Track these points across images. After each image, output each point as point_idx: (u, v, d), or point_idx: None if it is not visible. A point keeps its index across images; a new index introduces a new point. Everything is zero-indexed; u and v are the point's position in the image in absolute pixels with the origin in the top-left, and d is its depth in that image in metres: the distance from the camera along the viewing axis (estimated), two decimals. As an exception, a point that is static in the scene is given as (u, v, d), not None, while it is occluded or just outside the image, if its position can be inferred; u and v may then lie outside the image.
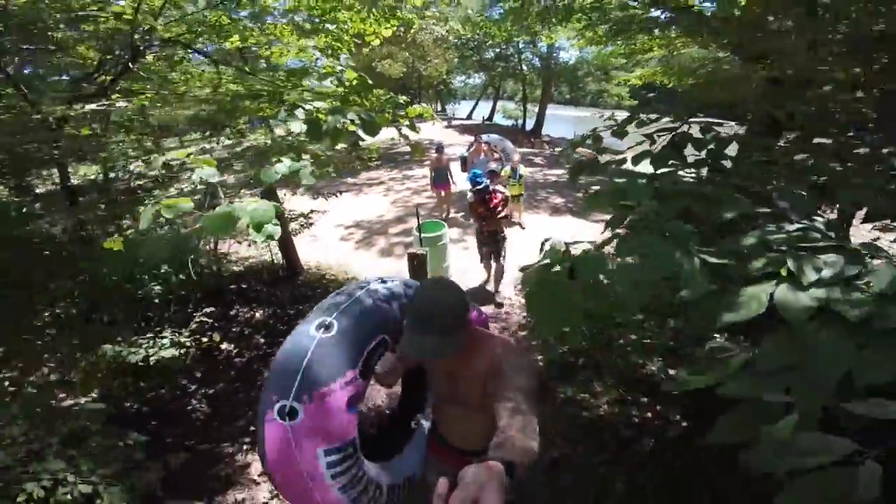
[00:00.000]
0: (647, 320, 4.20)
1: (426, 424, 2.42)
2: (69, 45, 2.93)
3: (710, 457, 2.88)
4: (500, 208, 4.80)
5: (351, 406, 1.82)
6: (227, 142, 2.91)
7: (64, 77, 3.31)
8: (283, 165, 1.69)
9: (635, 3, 4.35)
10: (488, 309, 4.97)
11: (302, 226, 5.00)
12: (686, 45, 5.35)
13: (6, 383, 2.41)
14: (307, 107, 1.96)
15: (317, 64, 4.00)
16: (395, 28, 4.33)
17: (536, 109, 22.77)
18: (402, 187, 10.12)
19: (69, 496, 1.88)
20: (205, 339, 3.70)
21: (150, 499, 2.45)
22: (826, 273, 1.10)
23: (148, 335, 3.13)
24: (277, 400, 1.74)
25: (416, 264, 4.66)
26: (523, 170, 7.30)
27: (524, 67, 21.89)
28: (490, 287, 5.30)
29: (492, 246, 5.01)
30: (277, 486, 1.84)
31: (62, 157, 2.81)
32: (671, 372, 3.69)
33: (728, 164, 1.79)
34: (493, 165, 7.11)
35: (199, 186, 1.86)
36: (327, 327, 1.87)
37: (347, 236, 7.23)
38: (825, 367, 0.91)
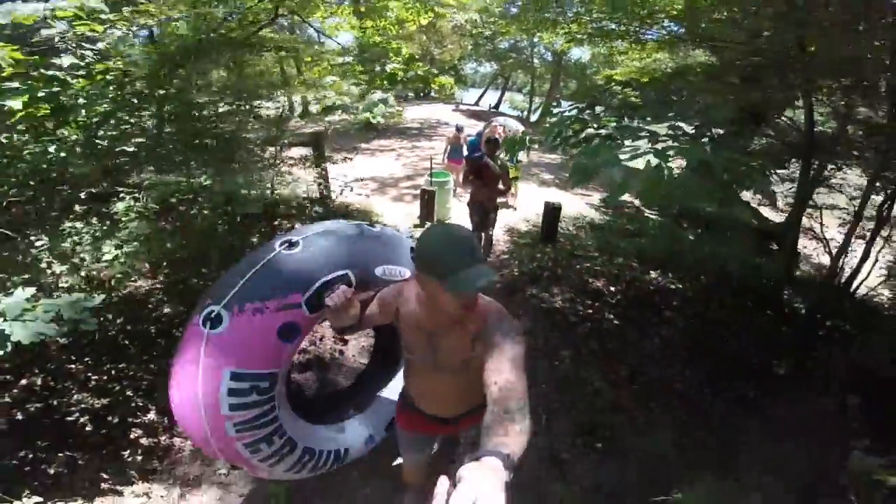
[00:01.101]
0: (600, 256, 5.63)
1: (385, 398, 2.27)
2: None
3: (634, 345, 4.27)
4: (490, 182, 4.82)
5: (284, 335, 1.68)
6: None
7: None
8: (378, 96, 3.04)
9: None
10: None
11: (344, 158, 6.45)
12: (657, 49, 6.81)
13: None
14: (391, 65, 3.34)
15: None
16: (430, 18, 5.66)
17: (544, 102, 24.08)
18: (412, 154, 11.43)
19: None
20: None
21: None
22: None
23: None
24: (209, 304, 1.65)
25: (427, 198, 6.06)
26: (523, 156, 8.45)
27: (535, 61, 23.19)
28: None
29: (482, 217, 5.03)
30: (174, 408, 1.66)
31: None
32: (611, 288, 5.11)
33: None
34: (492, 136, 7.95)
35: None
36: (291, 244, 1.80)
37: (363, 186, 8.54)
38: (590, 154, 2.28)
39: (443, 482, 0.80)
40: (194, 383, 1.55)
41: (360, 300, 1.60)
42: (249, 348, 1.60)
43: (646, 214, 7.88)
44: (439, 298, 1.36)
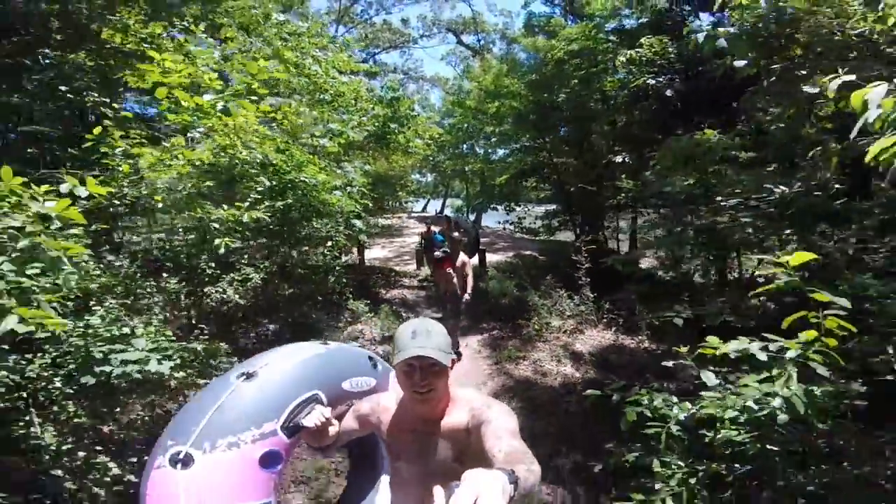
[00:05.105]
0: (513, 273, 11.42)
1: None
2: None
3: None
4: (451, 271, 6.07)
5: (266, 464, 1.76)
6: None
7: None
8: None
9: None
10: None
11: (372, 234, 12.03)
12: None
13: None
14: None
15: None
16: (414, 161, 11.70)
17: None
18: (391, 245, 17.19)
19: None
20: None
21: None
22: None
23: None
24: (172, 445, 1.67)
25: (418, 255, 11.74)
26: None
27: (467, 170, 30.26)
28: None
29: (451, 304, 6.15)
30: None
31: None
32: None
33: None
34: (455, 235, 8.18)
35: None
36: (249, 376, 1.84)
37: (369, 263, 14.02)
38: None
39: (439, 489, 0.86)
40: None
41: (335, 415, 1.67)
42: (235, 484, 1.67)
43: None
44: (399, 381, 1.52)
